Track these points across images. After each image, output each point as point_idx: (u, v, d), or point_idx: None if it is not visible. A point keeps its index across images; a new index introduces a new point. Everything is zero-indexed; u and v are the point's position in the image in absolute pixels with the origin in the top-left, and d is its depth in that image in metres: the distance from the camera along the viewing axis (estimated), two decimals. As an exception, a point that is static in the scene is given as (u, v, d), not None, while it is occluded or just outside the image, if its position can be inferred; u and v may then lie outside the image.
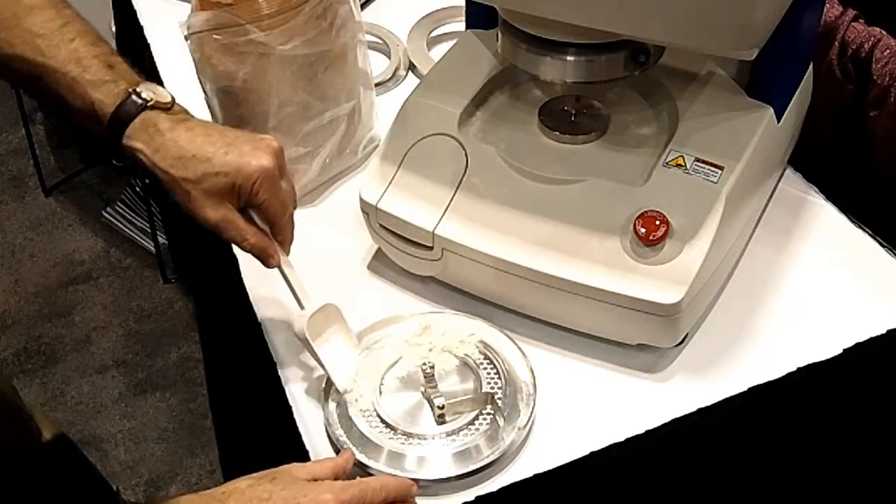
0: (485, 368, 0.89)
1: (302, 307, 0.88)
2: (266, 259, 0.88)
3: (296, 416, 0.89)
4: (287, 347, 0.95)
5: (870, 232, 1.02)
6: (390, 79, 1.26)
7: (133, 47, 1.42)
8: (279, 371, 0.93)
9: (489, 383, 0.87)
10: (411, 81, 1.26)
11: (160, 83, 1.24)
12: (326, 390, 0.89)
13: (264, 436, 1.08)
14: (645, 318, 0.87)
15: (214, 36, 0.97)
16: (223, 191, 0.84)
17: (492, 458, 0.83)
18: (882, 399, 0.96)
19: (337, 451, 0.85)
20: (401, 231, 0.96)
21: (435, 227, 0.93)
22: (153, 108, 0.85)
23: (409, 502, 0.80)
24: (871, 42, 1.10)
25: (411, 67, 1.28)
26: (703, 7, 0.77)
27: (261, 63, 0.99)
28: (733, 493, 0.95)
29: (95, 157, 2.59)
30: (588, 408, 0.89)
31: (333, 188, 1.13)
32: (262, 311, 0.98)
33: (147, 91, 0.85)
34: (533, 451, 0.86)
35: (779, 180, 1.07)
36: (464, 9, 1.09)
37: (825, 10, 1.10)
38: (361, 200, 0.98)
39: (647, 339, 0.91)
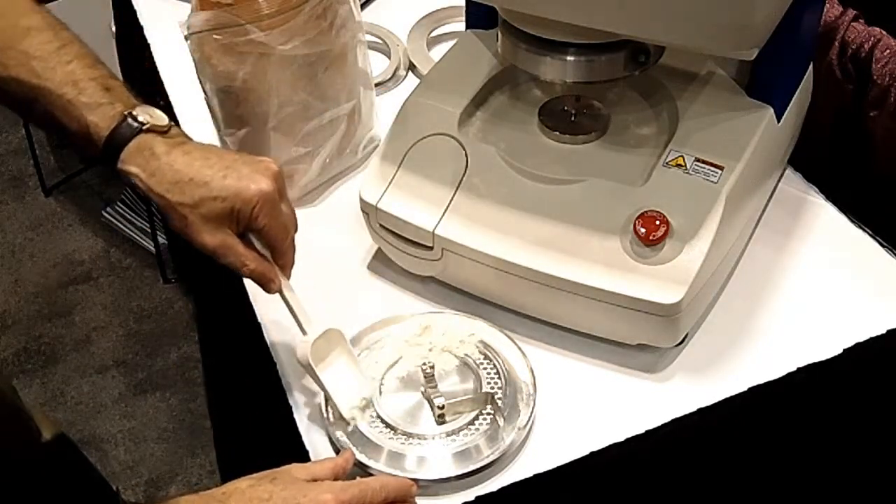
0: (485, 368, 0.89)
1: (304, 332, 0.86)
2: (266, 284, 0.85)
3: (296, 416, 0.89)
4: (287, 348, 0.95)
5: (870, 232, 1.02)
6: (390, 79, 1.26)
7: (133, 47, 1.42)
8: (279, 371, 0.93)
9: (489, 383, 0.87)
10: (411, 81, 1.26)
11: (160, 83, 1.23)
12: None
13: (264, 436, 1.08)
14: (645, 318, 0.87)
15: (214, 36, 0.97)
16: (221, 216, 0.81)
17: (492, 458, 0.83)
18: (882, 399, 0.96)
19: (337, 451, 0.85)
20: (401, 231, 0.96)
21: (435, 227, 0.93)
22: (149, 131, 0.82)
23: (409, 502, 0.80)
24: (871, 42, 1.10)
25: (411, 67, 1.28)
26: (702, 7, 0.77)
27: (261, 63, 0.99)
28: (733, 493, 0.95)
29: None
30: (588, 408, 0.89)
31: (333, 188, 1.13)
32: (262, 311, 0.98)
33: (143, 114, 0.82)
34: (533, 451, 0.85)
35: (779, 180, 1.07)
36: (464, 9, 1.09)
37: (825, 10, 1.10)
38: (361, 200, 0.98)
39: (647, 339, 0.91)
